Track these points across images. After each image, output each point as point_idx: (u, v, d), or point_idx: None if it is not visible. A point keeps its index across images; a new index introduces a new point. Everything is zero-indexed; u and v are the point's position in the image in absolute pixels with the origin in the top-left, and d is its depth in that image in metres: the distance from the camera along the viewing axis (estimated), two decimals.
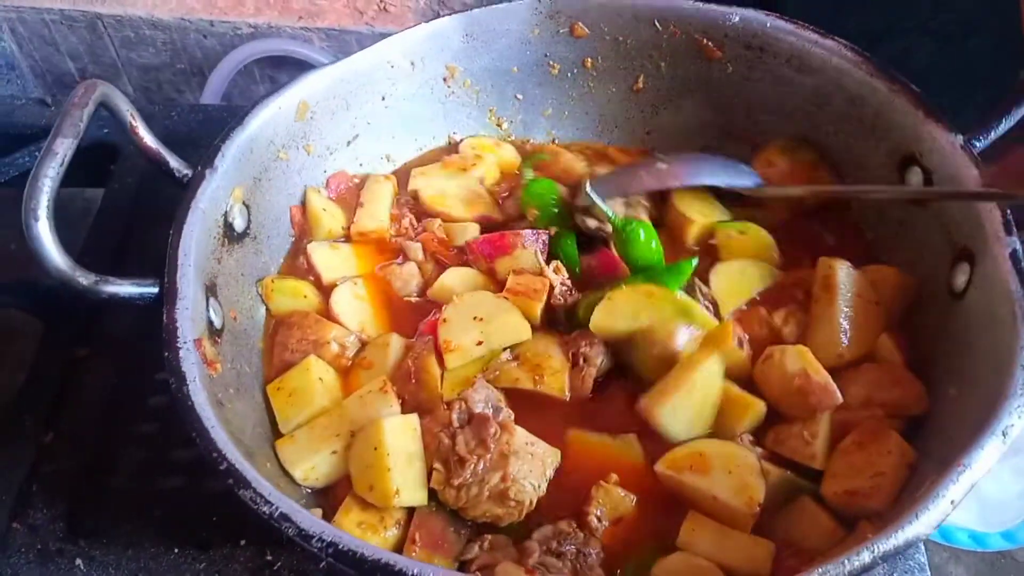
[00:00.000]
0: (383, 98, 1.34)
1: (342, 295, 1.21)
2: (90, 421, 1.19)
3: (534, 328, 1.15)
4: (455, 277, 1.22)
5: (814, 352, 1.08)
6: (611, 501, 1.01)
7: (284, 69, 1.90)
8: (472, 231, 1.27)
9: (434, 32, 1.34)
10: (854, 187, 1.29)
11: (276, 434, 1.08)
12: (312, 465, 1.02)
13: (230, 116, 1.17)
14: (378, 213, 1.30)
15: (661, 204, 1.31)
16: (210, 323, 1.02)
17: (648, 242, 1.19)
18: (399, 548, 0.98)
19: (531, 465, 0.99)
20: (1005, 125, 1.09)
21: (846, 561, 0.78)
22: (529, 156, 1.42)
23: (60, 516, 1.10)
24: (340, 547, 0.78)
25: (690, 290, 1.15)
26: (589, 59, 1.41)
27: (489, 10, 1.35)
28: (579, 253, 1.24)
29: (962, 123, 1.10)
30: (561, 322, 1.18)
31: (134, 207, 1.43)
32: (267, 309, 1.21)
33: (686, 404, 1.05)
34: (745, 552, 0.96)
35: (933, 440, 0.99)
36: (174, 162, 1.12)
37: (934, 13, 1.80)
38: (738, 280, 1.20)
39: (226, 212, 1.12)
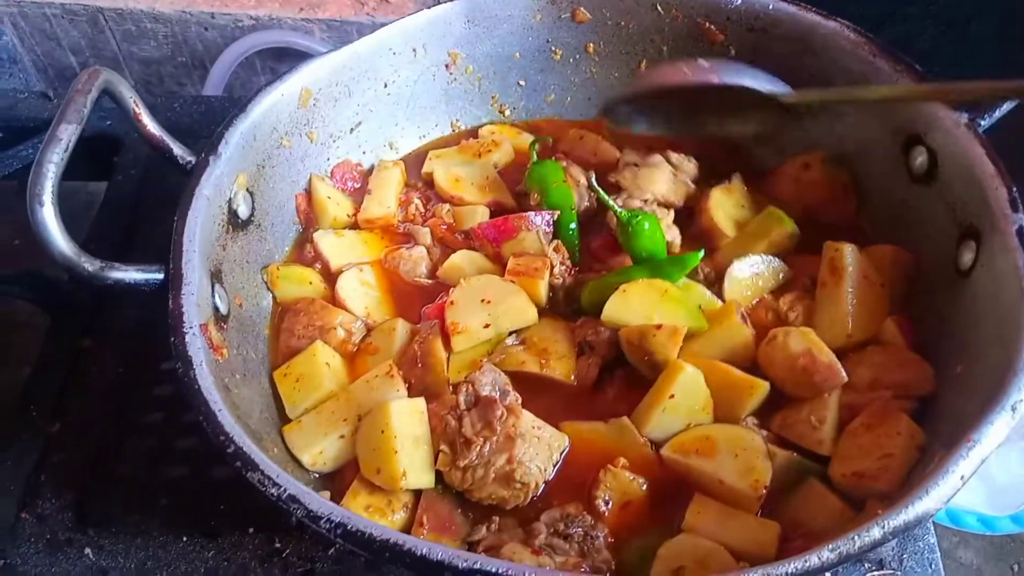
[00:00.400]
0: (385, 85, 1.34)
1: (348, 281, 1.21)
2: (97, 411, 1.19)
3: (540, 313, 1.15)
4: (466, 258, 1.22)
5: (820, 334, 1.08)
6: (619, 485, 1.01)
7: (285, 61, 1.90)
8: (480, 216, 1.27)
9: (436, 18, 1.33)
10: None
11: (283, 420, 1.08)
12: (320, 450, 1.03)
13: (232, 107, 1.17)
14: (386, 199, 1.31)
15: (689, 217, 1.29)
16: (216, 309, 1.02)
17: (653, 234, 1.19)
18: (406, 531, 0.98)
19: (537, 448, 0.99)
20: (1009, 104, 1.08)
21: (856, 537, 0.78)
22: (535, 139, 1.42)
23: (68, 506, 1.10)
24: (349, 527, 0.78)
25: (692, 272, 1.16)
26: (591, 44, 1.41)
27: None
28: (581, 234, 1.24)
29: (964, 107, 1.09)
30: (560, 303, 1.18)
31: (138, 198, 1.43)
32: (273, 296, 1.21)
33: (671, 418, 1.04)
34: (751, 533, 0.96)
35: (941, 420, 0.99)
36: (177, 149, 1.12)
37: None
38: (751, 283, 1.19)
39: (230, 199, 1.12)
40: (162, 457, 1.15)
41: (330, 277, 1.23)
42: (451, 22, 1.35)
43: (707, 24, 1.34)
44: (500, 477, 0.97)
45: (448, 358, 1.10)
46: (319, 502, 0.80)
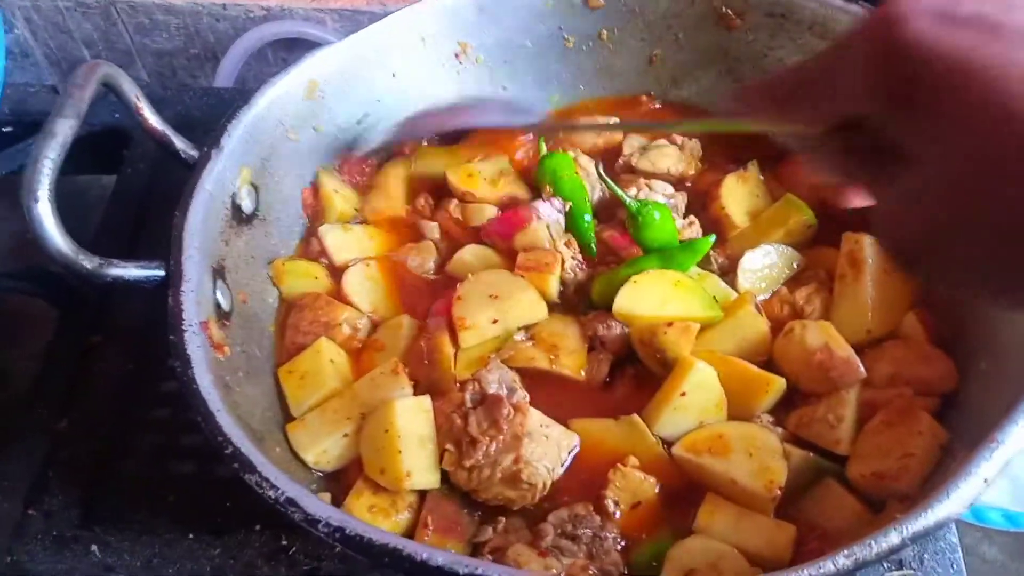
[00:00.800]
0: (394, 75, 1.31)
1: (354, 276, 1.19)
2: (104, 408, 1.18)
3: (550, 308, 1.13)
4: (475, 253, 1.20)
5: (839, 329, 1.04)
6: (630, 485, 0.98)
7: (297, 51, 1.88)
8: (489, 213, 1.24)
9: (445, 7, 1.31)
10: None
11: (287, 418, 1.06)
12: (323, 448, 1.01)
13: (242, 99, 1.15)
14: (393, 193, 1.29)
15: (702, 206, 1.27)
16: (218, 306, 1.01)
17: (664, 223, 1.15)
18: (411, 532, 0.96)
19: (545, 448, 0.97)
20: None
21: (873, 543, 0.75)
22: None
23: (75, 503, 1.09)
24: (347, 531, 0.77)
25: (704, 260, 1.14)
26: (605, 31, 1.38)
27: None
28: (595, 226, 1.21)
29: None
30: (572, 298, 1.15)
31: (147, 192, 1.42)
32: (279, 292, 1.19)
33: (682, 416, 1.02)
34: (766, 535, 0.93)
35: (964, 418, 0.95)
36: (181, 144, 1.10)
37: None
38: (765, 274, 1.16)
39: (234, 193, 1.10)
40: (169, 454, 1.15)
41: (336, 272, 1.21)
42: (461, 11, 1.32)
43: (725, 9, 1.30)
44: (507, 477, 0.95)
45: (455, 354, 1.08)
46: (317, 505, 0.78)
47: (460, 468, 0.95)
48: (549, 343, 1.10)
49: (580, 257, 1.17)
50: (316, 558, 1.04)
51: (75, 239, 0.93)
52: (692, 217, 1.22)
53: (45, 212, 0.88)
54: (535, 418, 0.99)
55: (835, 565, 0.74)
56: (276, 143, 1.19)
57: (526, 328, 1.12)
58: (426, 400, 1.01)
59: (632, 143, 1.34)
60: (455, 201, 1.27)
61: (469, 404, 0.98)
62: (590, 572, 0.90)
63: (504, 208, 1.24)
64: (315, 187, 1.27)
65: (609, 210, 1.26)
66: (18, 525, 1.07)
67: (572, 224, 1.20)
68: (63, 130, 0.92)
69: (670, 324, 1.04)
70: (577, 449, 1.02)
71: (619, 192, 1.17)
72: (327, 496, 0.97)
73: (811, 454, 0.99)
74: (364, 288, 1.18)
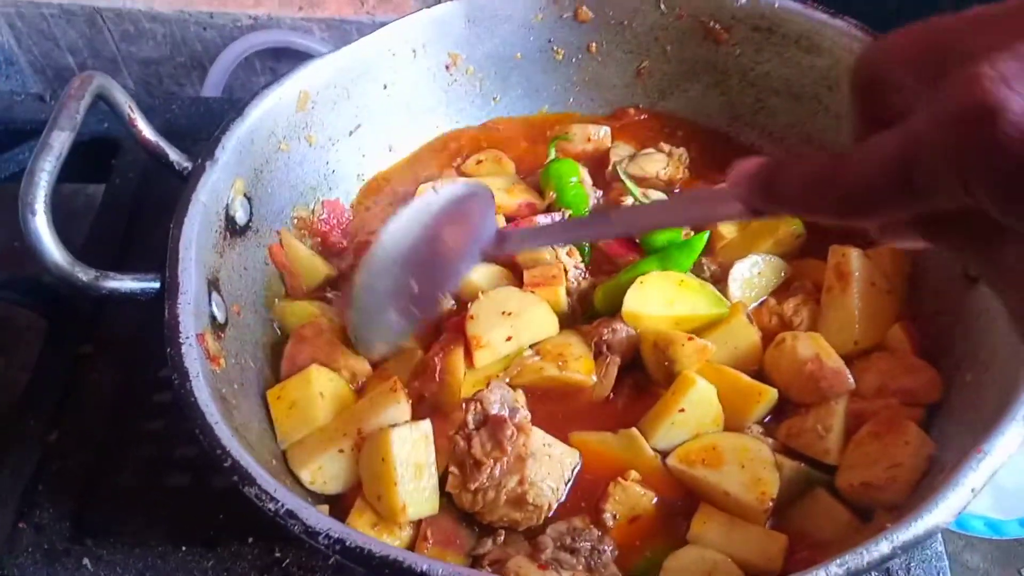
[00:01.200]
0: (385, 87, 1.32)
1: None
2: (95, 419, 1.17)
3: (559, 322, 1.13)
4: (481, 273, 1.18)
5: (826, 340, 1.06)
6: (629, 499, 0.99)
7: (285, 61, 1.89)
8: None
9: (436, 18, 1.32)
10: None
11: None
12: (319, 465, 1.00)
13: (230, 108, 1.15)
14: None
15: None
16: (213, 318, 1.00)
17: None
18: (412, 545, 0.96)
19: (549, 467, 0.97)
20: None
21: (864, 552, 0.76)
22: (555, 136, 1.39)
23: (66, 515, 1.08)
24: (347, 544, 0.76)
25: (696, 267, 1.16)
26: (593, 44, 1.39)
27: None
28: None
29: None
30: (575, 309, 1.16)
31: (136, 201, 1.42)
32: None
33: (680, 431, 1.03)
34: (758, 545, 0.94)
35: (951, 429, 0.97)
36: (174, 155, 1.10)
37: None
38: (755, 282, 1.17)
39: (227, 205, 1.10)
40: (161, 466, 1.14)
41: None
42: (451, 22, 1.33)
43: (712, 23, 1.32)
44: (512, 499, 0.95)
45: (465, 375, 1.06)
46: (317, 517, 0.78)
47: (465, 491, 0.95)
48: (555, 354, 1.09)
49: (582, 266, 1.19)
50: (310, 570, 1.04)
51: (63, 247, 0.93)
52: None
53: (42, 225, 0.88)
54: (538, 437, 0.99)
55: (827, 574, 0.75)
56: (269, 154, 1.19)
57: (533, 345, 1.11)
58: (425, 425, 0.98)
59: (619, 151, 1.36)
60: None
61: (472, 425, 0.98)
62: None
63: (525, 216, 1.25)
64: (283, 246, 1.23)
65: None
66: (8, 538, 1.06)
67: None
68: (59, 143, 0.92)
69: (690, 338, 1.05)
70: (579, 466, 1.03)
71: (635, 190, 1.18)
72: (325, 508, 0.96)
73: (802, 464, 1.00)
74: None
